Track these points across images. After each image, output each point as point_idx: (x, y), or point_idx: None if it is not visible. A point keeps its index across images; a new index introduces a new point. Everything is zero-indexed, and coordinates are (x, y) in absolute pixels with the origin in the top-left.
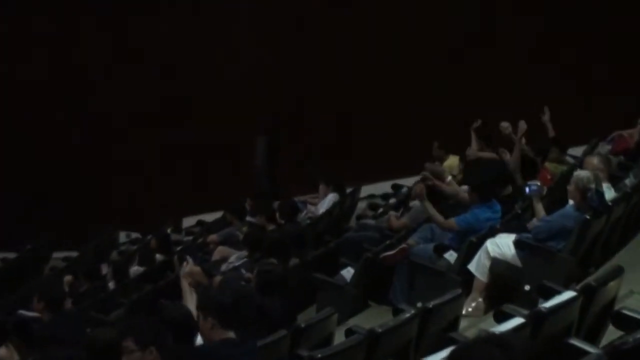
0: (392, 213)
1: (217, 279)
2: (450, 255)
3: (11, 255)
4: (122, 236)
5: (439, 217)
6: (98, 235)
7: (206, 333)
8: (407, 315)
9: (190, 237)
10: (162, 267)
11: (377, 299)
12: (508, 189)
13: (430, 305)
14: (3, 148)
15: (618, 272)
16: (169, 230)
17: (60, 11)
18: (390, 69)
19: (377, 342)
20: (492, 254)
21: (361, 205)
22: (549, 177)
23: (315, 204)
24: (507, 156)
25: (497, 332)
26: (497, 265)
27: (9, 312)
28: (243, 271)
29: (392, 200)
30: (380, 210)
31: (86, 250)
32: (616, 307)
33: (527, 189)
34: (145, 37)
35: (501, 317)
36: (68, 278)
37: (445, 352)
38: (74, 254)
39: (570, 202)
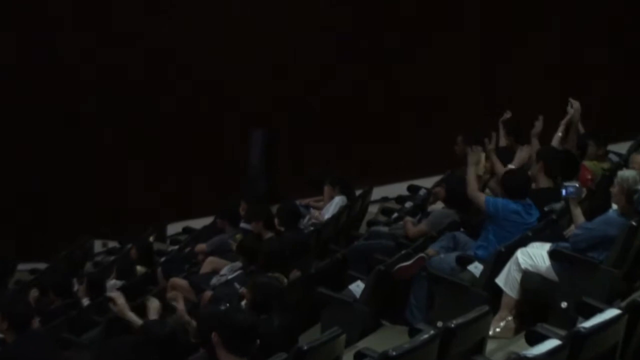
0: (408, 219)
1: (207, 294)
2: (476, 267)
3: None
4: (98, 245)
5: (474, 182)
6: (70, 244)
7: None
8: (426, 336)
9: (176, 247)
10: (144, 281)
11: (390, 318)
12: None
13: (452, 325)
14: None
15: None
16: (151, 239)
17: None
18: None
19: None
20: (523, 266)
21: (372, 210)
22: (589, 177)
23: (319, 208)
24: (522, 153)
25: (529, 356)
26: (530, 279)
27: None
28: (236, 285)
29: (408, 204)
30: (395, 215)
31: (56, 262)
32: None
33: (563, 191)
34: None
35: (534, 339)
36: (35, 293)
37: None
38: (42, 265)
39: (614, 206)
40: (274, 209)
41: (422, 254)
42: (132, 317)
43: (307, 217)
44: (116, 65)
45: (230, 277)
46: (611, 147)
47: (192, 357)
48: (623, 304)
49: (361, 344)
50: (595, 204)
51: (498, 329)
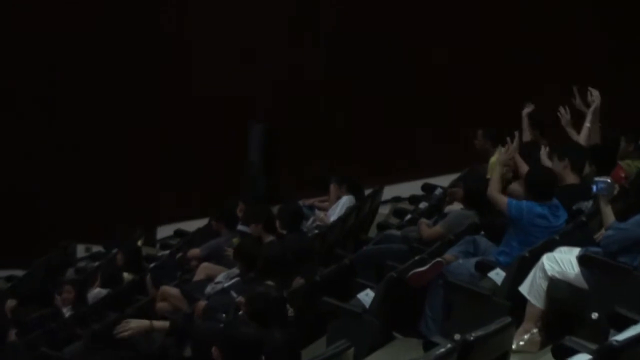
0: (422, 220)
1: (201, 304)
2: (497, 275)
3: None
4: (81, 250)
5: (497, 183)
6: (50, 249)
7: None
8: (442, 350)
9: (167, 252)
10: (131, 290)
11: (403, 330)
12: None
13: (471, 338)
14: None
15: None
16: (139, 243)
17: None
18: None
19: None
20: (550, 272)
21: (383, 211)
22: (622, 175)
23: (325, 209)
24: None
25: None
26: (557, 287)
27: None
28: (233, 294)
29: (423, 205)
30: (408, 217)
31: (35, 268)
32: None
33: (593, 187)
34: None
35: (562, 353)
36: (11, 303)
37: None
38: (20, 272)
39: None
40: (275, 210)
41: (439, 259)
42: (157, 324)
43: (311, 219)
44: (110, 65)
45: (226, 284)
46: None
47: None
48: None
49: (371, 359)
50: (629, 204)
51: (522, 343)
